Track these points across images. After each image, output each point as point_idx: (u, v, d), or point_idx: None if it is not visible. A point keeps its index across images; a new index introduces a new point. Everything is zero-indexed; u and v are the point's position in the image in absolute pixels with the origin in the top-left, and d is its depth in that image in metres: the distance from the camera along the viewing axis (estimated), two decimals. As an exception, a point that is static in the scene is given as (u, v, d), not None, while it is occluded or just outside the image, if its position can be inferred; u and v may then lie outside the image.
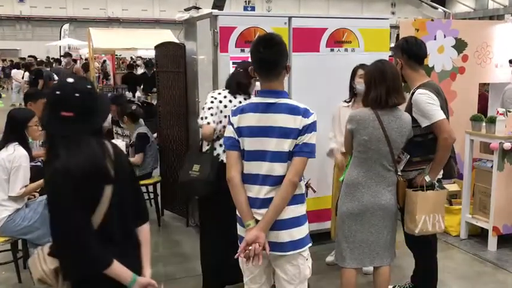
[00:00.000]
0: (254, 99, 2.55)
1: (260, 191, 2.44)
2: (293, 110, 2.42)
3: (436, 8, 11.91)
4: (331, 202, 4.34)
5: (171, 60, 5.41)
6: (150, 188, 5.73)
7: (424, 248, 3.45)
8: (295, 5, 36.45)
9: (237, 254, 2.46)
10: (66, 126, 1.87)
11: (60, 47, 22.01)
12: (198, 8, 4.95)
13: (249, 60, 3.75)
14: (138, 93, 10.56)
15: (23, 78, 15.57)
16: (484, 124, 4.68)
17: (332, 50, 4.54)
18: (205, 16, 4.48)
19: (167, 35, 11.45)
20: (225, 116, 3.45)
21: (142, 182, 5.28)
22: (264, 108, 2.44)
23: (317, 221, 4.33)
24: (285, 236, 2.45)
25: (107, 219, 1.90)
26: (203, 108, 3.54)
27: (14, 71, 18.33)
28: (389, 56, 4.44)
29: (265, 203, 2.42)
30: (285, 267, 2.51)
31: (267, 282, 2.63)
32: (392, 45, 3.98)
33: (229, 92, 3.56)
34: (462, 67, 5.56)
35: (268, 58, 2.41)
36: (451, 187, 5.11)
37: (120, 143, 4.76)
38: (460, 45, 5.52)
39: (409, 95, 3.33)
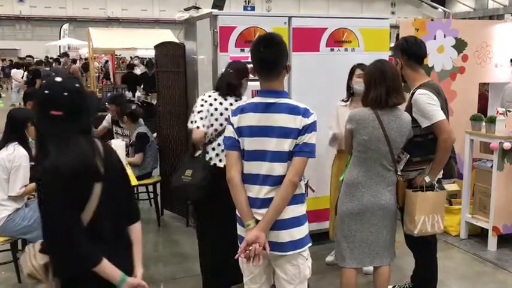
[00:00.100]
0: (254, 99, 2.54)
1: (260, 191, 2.44)
2: (293, 110, 2.41)
3: (436, 8, 11.91)
4: (326, 202, 4.34)
5: (171, 60, 5.41)
6: (150, 188, 5.74)
7: (424, 247, 3.45)
8: (295, 4, 36.43)
9: (237, 255, 2.46)
10: (56, 125, 1.88)
11: (59, 46, 22.02)
12: (197, 8, 4.95)
13: (241, 60, 3.80)
14: (137, 93, 10.56)
15: (22, 78, 15.58)
16: (484, 124, 4.68)
17: (332, 50, 4.54)
18: (205, 16, 4.48)
19: (167, 35, 11.45)
20: (216, 119, 3.43)
21: (142, 182, 5.29)
22: (264, 108, 2.44)
23: (317, 220, 4.33)
24: (285, 235, 2.45)
25: (96, 217, 1.91)
26: (193, 112, 3.49)
27: (13, 71, 18.32)
28: (390, 56, 4.44)
29: (265, 203, 2.42)
30: (285, 267, 2.51)
31: (267, 282, 2.63)
32: (392, 45, 3.98)
33: (219, 94, 3.50)
34: (462, 67, 5.56)
35: (268, 58, 2.41)
36: (451, 187, 5.11)
37: (120, 143, 4.76)
38: (460, 45, 5.52)
39: (409, 95, 3.33)
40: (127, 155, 5.15)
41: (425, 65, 4.43)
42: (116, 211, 2.01)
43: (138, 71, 14.68)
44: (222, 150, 3.38)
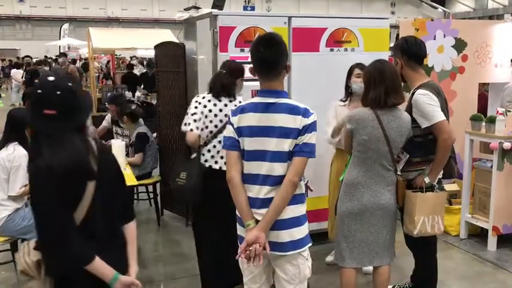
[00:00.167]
0: (254, 99, 2.54)
1: (260, 191, 2.44)
2: (293, 110, 2.41)
3: (436, 8, 11.91)
4: (326, 202, 4.34)
5: (171, 60, 5.41)
6: (150, 188, 5.74)
7: (424, 247, 3.45)
8: (294, 4, 36.45)
9: (237, 255, 2.46)
10: (49, 124, 1.89)
11: (59, 46, 22.03)
12: (197, 8, 4.95)
13: (238, 60, 3.79)
14: (137, 93, 10.56)
15: (22, 77, 15.58)
16: (483, 124, 4.68)
17: (332, 50, 4.54)
18: (205, 16, 4.48)
19: (167, 35, 11.43)
20: (211, 121, 3.40)
21: (142, 182, 5.29)
22: (264, 108, 2.44)
23: (316, 220, 4.33)
24: (285, 235, 2.45)
25: (89, 215, 1.91)
26: (187, 114, 3.45)
27: (13, 71, 18.33)
28: (389, 56, 4.44)
29: (265, 203, 2.41)
30: (285, 267, 2.51)
31: (267, 282, 2.63)
32: (392, 45, 3.98)
33: (212, 95, 3.47)
34: (462, 67, 5.56)
35: (268, 58, 2.41)
36: (451, 187, 5.11)
37: (120, 143, 4.76)
38: (459, 45, 5.52)
39: (409, 95, 3.32)
40: (127, 155, 5.15)
41: (425, 65, 4.43)
42: (110, 210, 2.01)
43: (136, 71, 14.67)
44: (218, 152, 3.37)
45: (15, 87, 17.07)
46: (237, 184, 2.47)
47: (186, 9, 5.06)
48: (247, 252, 2.37)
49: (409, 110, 3.24)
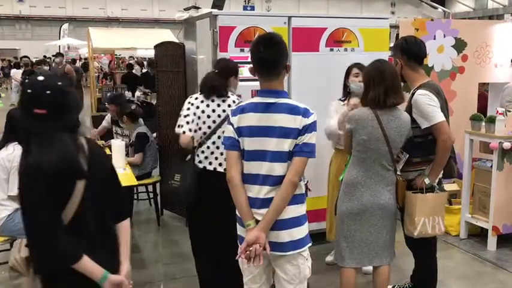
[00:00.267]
0: (254, 99, 2.54)
1: (260, 191, 2.44)
2: (293, 110, 2.41)
3: (436, 8, 11.91)
4: (325, 202, 4.34)
5: (171, 60, 5.41)
6: (150, 188, 5.74)
7: (424, 247, 3.45)
8: (294, 4, 36.47)
9: (237, 256, 2.46)
10: (40, 124, 1.90)
11: (59, 46, 22.04)
12: (197, 8, 4.96)
13: (230, 58, 3.77)
14: (137, 93, 10.56)
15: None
16: (483, 124, 4.68)
17: (332, 50, 4.54)
18: (205, 16, 4.48)
19: (167, 35, 11.45)
20: (204, 122, 3.34)
21: (141, 182, 5.28)
22: (264, 108, 2.44)
23: (316, 220, 4.33)
24: (285, 236, 2.45)
25: (79, 214, 1.92)
26: (180, 115, 3.41)
27: (13, 71, 18.34)
28: (389, 56, 4.44)
29: (265, 203, 2.41)
30: (285, 267, 2.51)
31: (267, 282, 2.63)
32: (392, 45, 3.98)
33: (204, 96, 3.41)
34: (462, 67, 5.56)
35: (268, 58, 2.41)
36: (451, 187, 5.11)
37: (120, 143, 4.76)
38: (459, 45, 5.52)
39: (409, 95, 3.32)
40: (127, 154, 5.15)
41: (425, 65, 4.42)
42: (101, 208, 2.02)
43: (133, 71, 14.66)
44: (212, 153, 3.34)
45: (15, 87, 17.07)
46: (237, 184, 2.47)
47: (186, 9, 5.06)
48: (248, 252, 2.37)
49: (409, 110, 3.24)
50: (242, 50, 4.15)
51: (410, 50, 3.31)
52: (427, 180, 3.24)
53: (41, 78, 1.98)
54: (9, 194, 3.76)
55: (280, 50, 2.44)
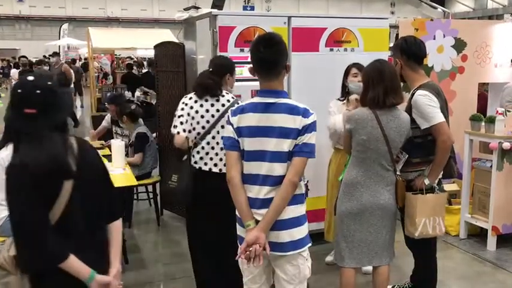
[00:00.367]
0: (254, 99, 2.54)
1: (260, 191, 2.44)
2: (293, 110, 2.41)
3: (436, 8, 11.93)
4: (325, 202, 4.34)
5: (171, 60, 5.41)
6: (150, 188, 5.74)
7: (424, 247, 3.45)
8: (294, 4, 36.48)
9: (237, 256, 2.46)
10: (30, 123, 1.90)
11: (59, 46, 22.02)
12: (197, 8, 4.96)
13: (224, 55, 3.76)
14: (137, 93, 10.56)
15: (22, 78, 15.55)
16: (483, 124, 4.69)
17: (331, 50, 4.55)
18: (205, 16, 4.48)
19: (166, 35, 11.46)
20: (198, 123, 3.30)
21: (141, 182, 5.28)
22: (263, 108, 2.44)
23: (316, 220, 4.33)
24: (285, 236, 2.45)
25: (66, 214, 1.92)
26: (175, 116, 3.38)
27: (13, 71, 18.36)
28: (389, 56, 4.44)
29: (265, 203, 2.41)
30: (284, 267, 2.51)
31: (267, 282, 2.63)
32: (392, 45, 3.99)
33: (197, 96, 3.36)
34: (461, 67, 5.56)
35: (268, 58, 2.41)
36: (451, 187, 5.12)
37: (120, 143, 4.76)
38: (459, 45, 5.52)
39: (409, 96, 3.32)
40: (126, 154, 5.15)
41: (424, 65, 4.42)
42: (90, 209, 2.02)
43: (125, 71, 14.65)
44: (207, 154, 3.31)
45: (15, 88, 17.03)
46: (237, 184, 2.47)
47: (186, 9, 5.06)
48: (247, 253, 2.37)
49: (409, 110, 3.23)
50: (242, 50, 4.15)
51: (410, 50, 3.31)
52: (426, 181, 3.24)
53: (30, 78, 2.00)
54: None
55: (280, 50, 2.44)
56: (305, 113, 2.41)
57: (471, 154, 4.90)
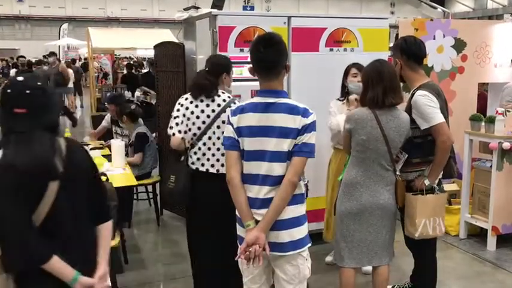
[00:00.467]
0: (254, 99, 2.54)
1: (260, 191, 2.43)
2: (292, 110, 2.41)
3: (435, 8, 11.93)
4: (325, 202, 4.34)
5: (170, 60, 5.41)
6: (149, 188, 5.74)
7: (424, 247, 3.45)
8: (294, 4, 36.44)
9: (237, 256, 2.46)
10: (19, 123, 1.91)
11: (59, 46, 22.01)
12: (197, 8, 4.96)
13: (220, 54, 3.75)
14: (137, 93, 10.55)
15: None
16: (483, 124, 4.69)
17: (331, 50, 4.55)
18: (205, 16, 4.48)
19: (166, 35, 11.47)
20: (193, 123, 3.27)
21: (141, 182, 5.28)
22: (263, 108, 2.44)
23: (316, 220, 4.33)
24: (285, 236, 2.45)
25: (51, 214, 1.91)
26: (171, 116, 3.36)
27: (12, 71, 18.30)
28: (389, 56, 4.44)
29: (265, 203, 2.41)
30: (284, 268, 2.51)
31: (267, 282, 2.62)
32: (392, 45, 3.98)
33: (193, 97, 3.32)
34: (461, 67, 5.56)
35: (268, 58, 2.41)
36: (450, 187, 5.12)
37: (119, 143, 4.76)
38: (459, 45, 5.52)
39: (409, 96, 3.32)
40: (126, 154, 5.15)
41: (424, 65, 4.42)
42: (77, 210, 2.01)
43: (126, 71, 14.65)
44: (203, 154, 3.29)
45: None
46: (237, 185, 2.46)
47: (186, 9, 5.06)
48: (247, 253, 2.37)
49: (409, 110, 3.23)
50: (242, 50, 4.15)
51: (410, 50, 3.31)
52: (426, 182, 3.24)
53: (20, 78, 2.02)
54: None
55: (280, 50, 2.44)
56: (305, 113, 2.41)
57: (471, 154, 4.90)
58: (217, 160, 3.27)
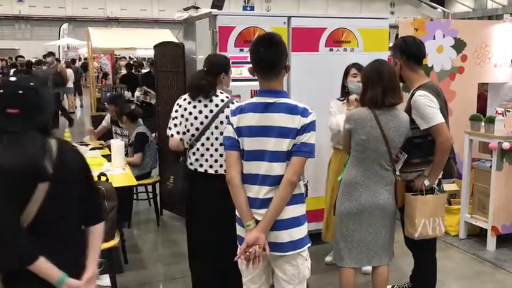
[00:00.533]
0: (253, 99, 2.54)
1: (260, 191, 2.44)
2: (292, 110, 2.41)
3: (435, 8, 11.94)
4: (324, 202, 4.34)
5: (170, 60, 5.41)
6: (149, 188, 5.73)
7: (423, 247, 3.45)
8: (294, 4, 36.45)
9: (237, 256, 2.46)
10: (12, 123, 1.91)
11: (59, 46, 22.03)
12: (197, 8, 4.96)
13: (218, 54, 3.74)
14: (137, 93, 10.56)
15: (21, 77, 15.51)
16: (483, 124, 4.69)
17: (331, 50, 4.55)
18: (205, 16, 4.48)
19: (166, 35, 11.45)
20: (191, 124, 3.26)
21: (141, 182, 5.28)
22: (263, 107, 2.44)
23: (315, 220, 4.33)
24: (285, 236, 2.45)
25: (40, 215, 1.91)
26: (170, 117, 3.35)
27: (12, 71, 18.29)
28: (389, 56, 4.44)
29: (264, 203, 2.41)
30: (284, 268, 2.51)
31: (266, 282, 2.62)
32: (391, 45, 3.98)
33: (191, 97, 3.29)
34: (461, 67, 5.56)
35: (267, 58, 2.41)
36: (450, 187, 5.12)
37: (119, 143, 4.76)
38: (459, 45, 5.52)
39: (409, 96, 3.32)
40: (126, 154, 5.15)
41: (424, 65, 4.41)
42: (68, 211, 2.01)
43: (123, 70, 14.65)
44: (202, 155, 3.27)
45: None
46: (237, 185, 2.46)
47: (186, 9, 5.06)
48: (247, 253, 2.37)
49: (408, 111, 3.23)
50: (242, 50, 4.15)
51: (410, 50, 3.31)
52: (426, 182, 3.24)
53: (13, 78, 2.02)
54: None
55: (280, 50, 2.44)
56: (304, 113, 2.41)
57: (471, 154, 4.90)
58: (216, 161, 3.26)
